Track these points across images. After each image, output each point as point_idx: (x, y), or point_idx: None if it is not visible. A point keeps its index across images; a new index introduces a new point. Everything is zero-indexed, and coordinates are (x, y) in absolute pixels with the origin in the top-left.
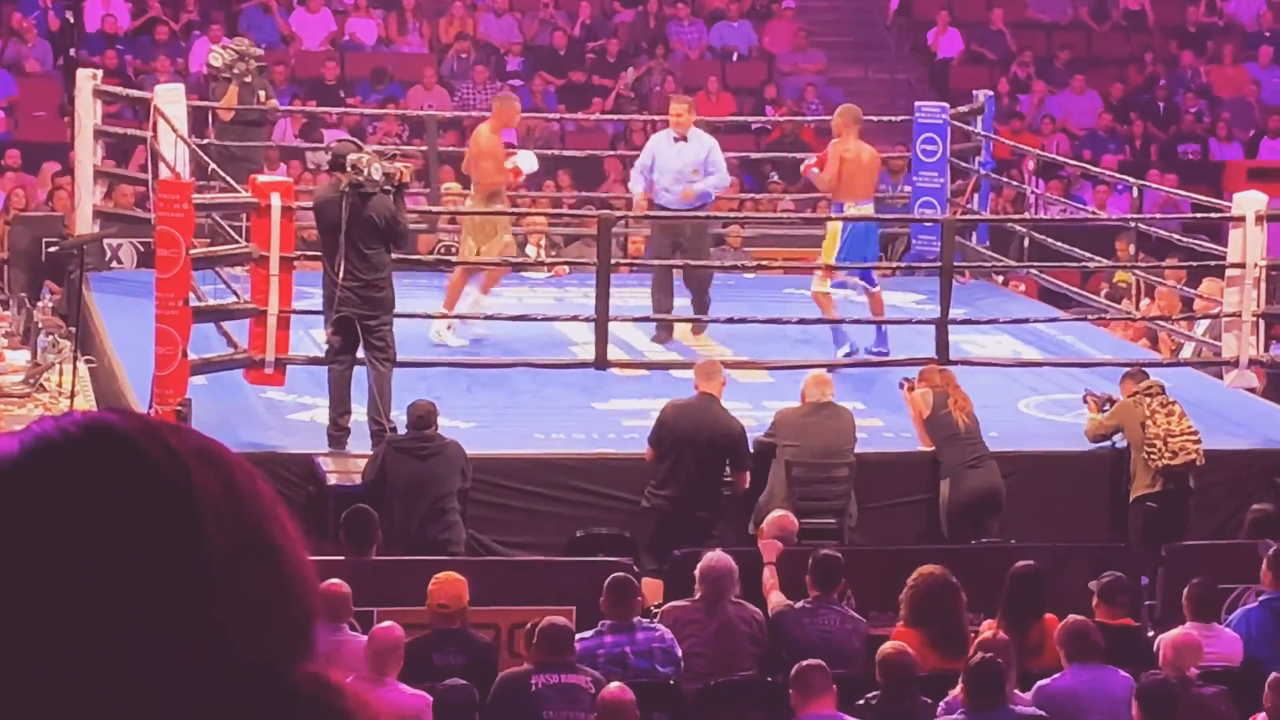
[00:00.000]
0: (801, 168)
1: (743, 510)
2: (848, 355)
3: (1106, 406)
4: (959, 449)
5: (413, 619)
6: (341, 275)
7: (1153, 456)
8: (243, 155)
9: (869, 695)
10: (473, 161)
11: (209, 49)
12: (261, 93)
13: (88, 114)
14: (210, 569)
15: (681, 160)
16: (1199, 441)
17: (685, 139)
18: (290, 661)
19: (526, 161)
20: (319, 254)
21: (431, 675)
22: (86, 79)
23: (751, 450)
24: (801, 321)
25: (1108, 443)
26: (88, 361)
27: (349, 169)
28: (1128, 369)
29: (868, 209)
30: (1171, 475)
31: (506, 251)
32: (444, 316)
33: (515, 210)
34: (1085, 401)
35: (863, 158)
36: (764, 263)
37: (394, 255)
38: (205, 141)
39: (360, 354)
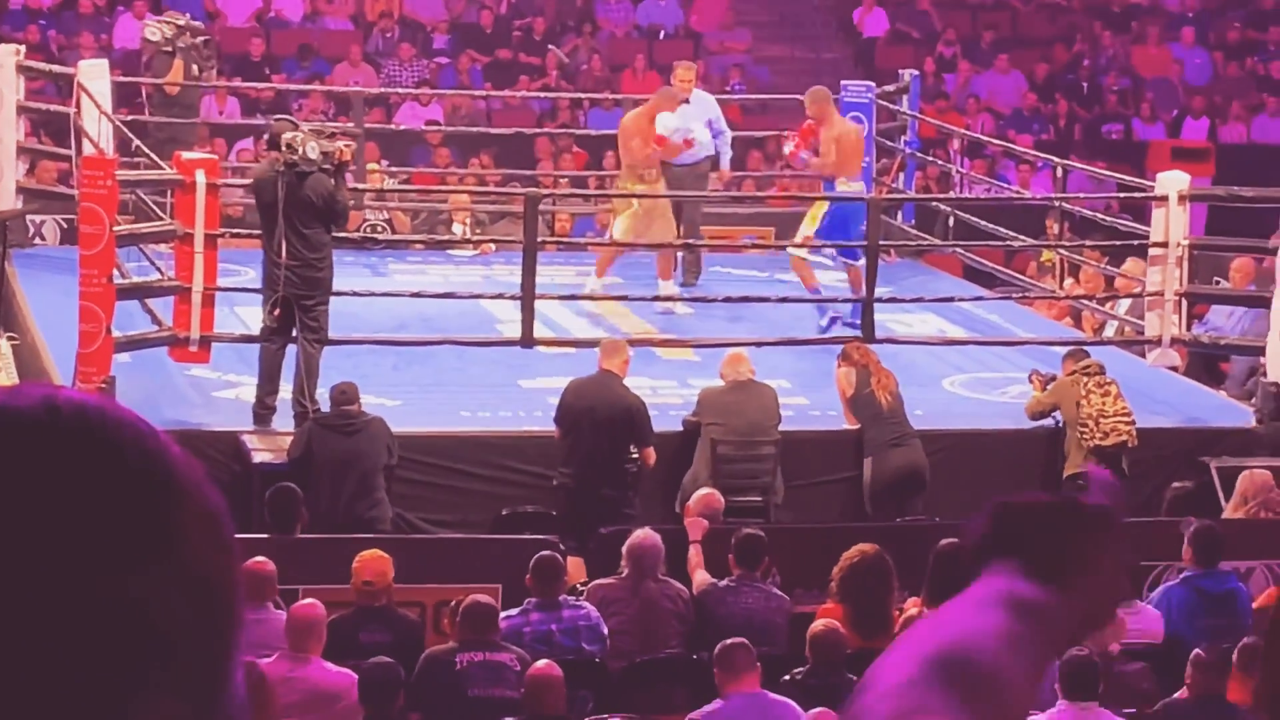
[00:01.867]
0: (786, 151)
1: (666, 487)
2: (831, 322)
3: (1050, 386)
4: (882, 428)
5: (338, 597)
6: (282, 255)
7: (1085, 436)
8: (183, 132)
9: (795, 671)
10: (624, 144)
11: (144, 23)
12: (196, 67)
13: (10, 90)
14: (191, 565)
15: (681, 119)
16: (1132, 422)
17: (688, 101)
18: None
19: (663, 124)
20: (243, 231)
21: (357, 653)
22: (9, 54)
23: (672, 428)
24: (728, 300)
25: (1050, 420)
26: (10, 339)
27: (284, 148)
28: (1070, 348)
29: (859, 186)
30: (1103, 455)
31: (636, 226)
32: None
33: (445, 188)
34: (1030, 380)
35: (851, 135)
36: (689, 240)
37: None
38: (142, 119)
39: (294, 333)
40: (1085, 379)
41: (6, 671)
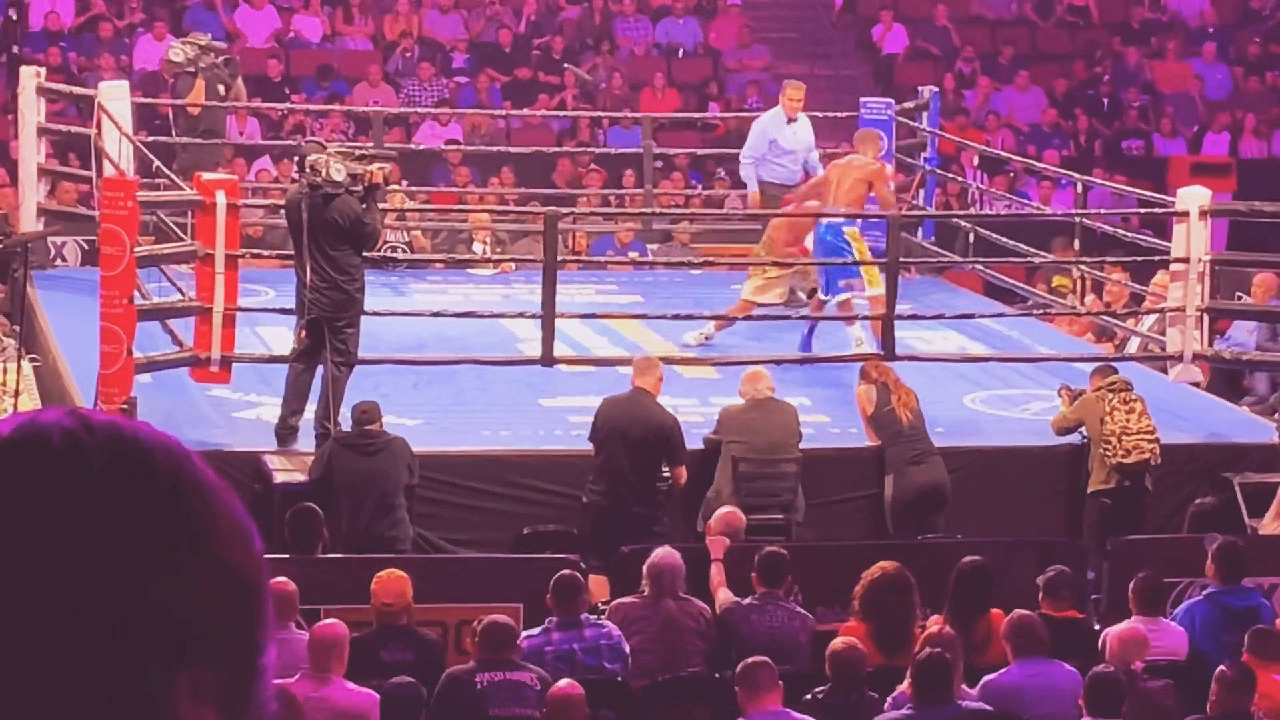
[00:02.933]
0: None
1: (688, 506)
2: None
3: (1076, 401)
4: (903, 445)
5: (359, 616)
6: (312, 277)
7: (1108, 453)
8: (204, 152)
9: (817, 690)
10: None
11: (168, 45)
12: (221, 86)
13: (31, 111)
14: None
15: (799, 141)
16: (1155, 440)
17: (796, 119)
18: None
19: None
20: (263, 252)
21: (379, 672)
22: (30, 76)
23: (694, 446)
24: (749, 318)
25: (1075, 436)
26: (32, 360)
27: (308, 170)
28: (1098, 364)
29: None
30: (1126, 472)
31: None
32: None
33: (464, 208)
34: (1060, 395)
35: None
36: (711, 259)
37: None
38: (166, 140)
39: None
40: (1111, 395)
41: (51, 660)
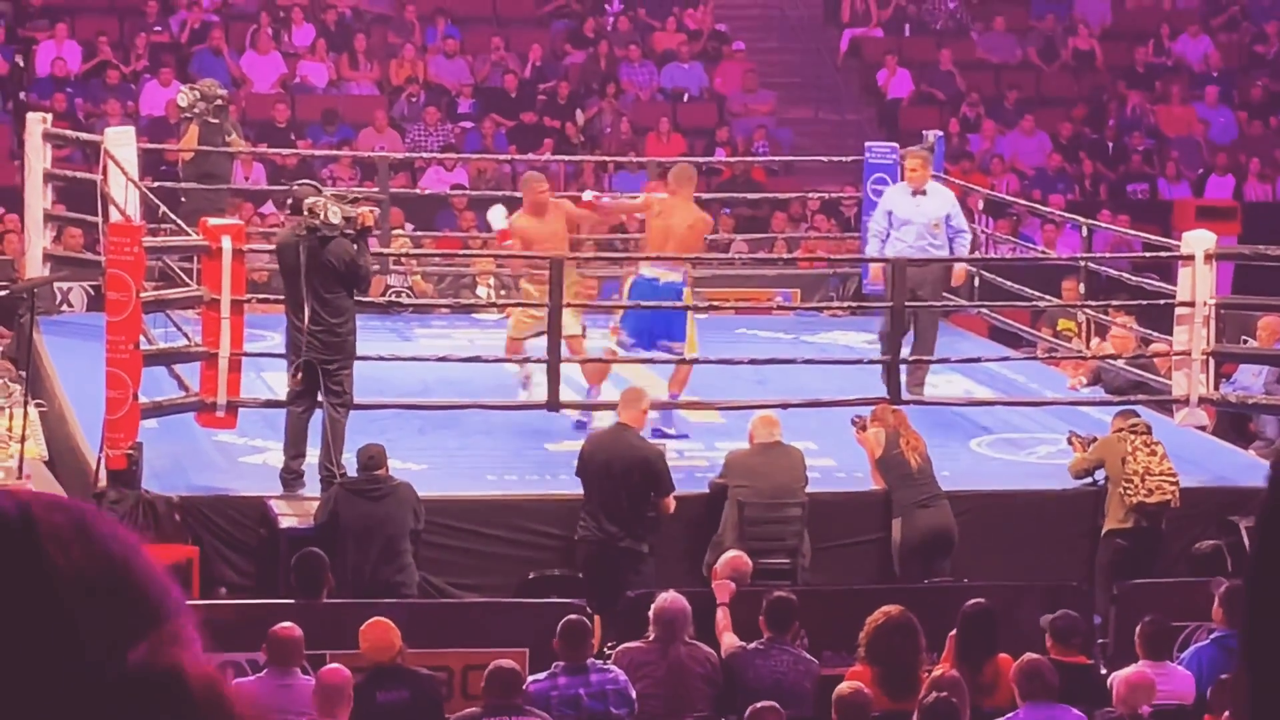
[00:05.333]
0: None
1: (688, 549)
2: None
3: (1093, 445)
4: (911, 489)
5: (364, 662)
6: (305, 320)
7: (1129, 492)
8: (207, 197)
9: None
10: None
11: (177, 90)
12: (222, 134)
13: (38, 157)
14: (57, 589)
15: (922, 214)
16: (1176, 483)
17: (924, 192)
18: (131, 653)
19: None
20: (269, 297)
21: (377, 714)
22: (36, 122)
23: (700, 490)
24: (753, 362)
25: (1087, 479)
26: (38, 405)
27: (306, 213)
28: (1121, 407)
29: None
30: (1146, 512)
31: None
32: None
33: (467, 252)
34: (1070, 443)
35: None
36: (715, 303)
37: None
38: (172, 185)
39: (319, 398)
40: (1133, 436)
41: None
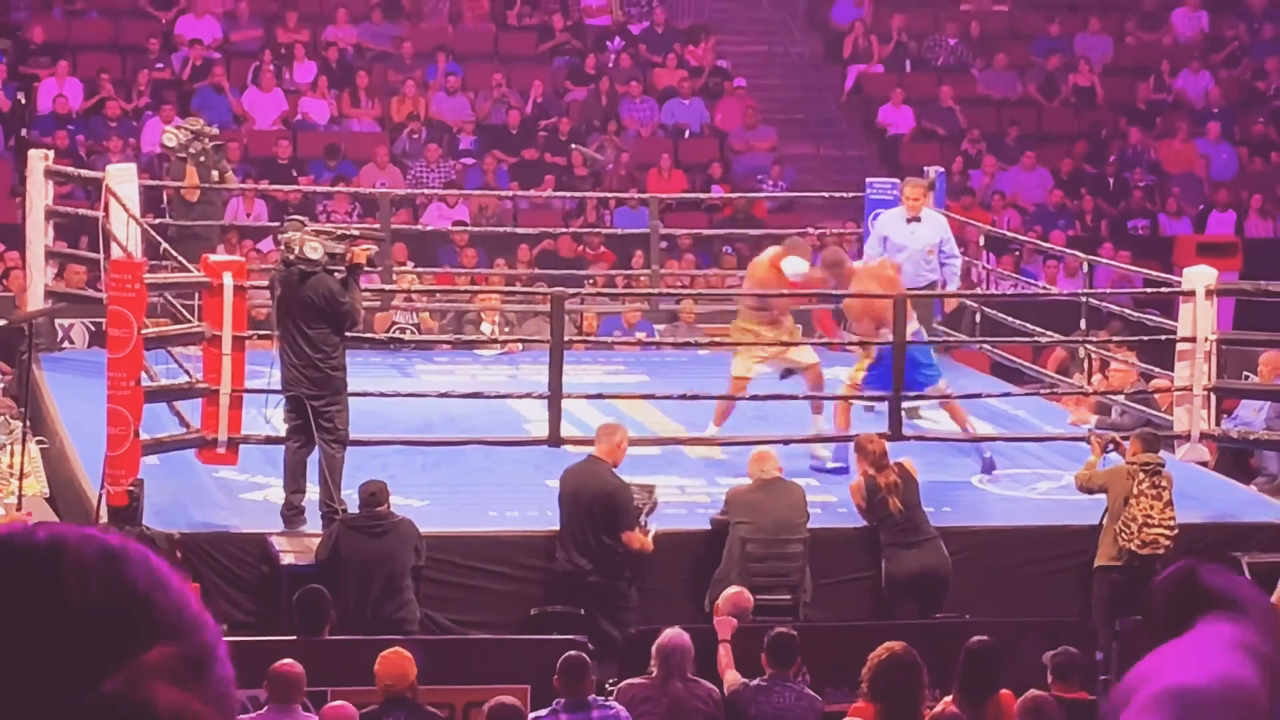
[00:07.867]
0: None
1: (690, 585)
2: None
3: (1110, 447)
4: (893, 531)
5: (366, 698)
6: (289, 354)
7: (1123, 535)
8: (203, 234)
9: None
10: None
11: (162, 129)
12: (215, 172)
13: (39, 194)
14: (53, 617)
15: (917, 240)
16: (1174, 534)
17: (919, 219)
18: (107, 683)
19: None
20: (270, 333)
21: None
22: (38, 159)
23: (701, 526)
24: (754, 398)
25: (1085, 513)
26: (39, 442)
27: (282, 248)
28: (1141, 430)
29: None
30: (1134, 559)
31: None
32: None
33: (470, 289)
34: (1090, 440)
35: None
36: (717, 339)
37: (346, 335)
38: (164, 221)
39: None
40: (1143, 475)
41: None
